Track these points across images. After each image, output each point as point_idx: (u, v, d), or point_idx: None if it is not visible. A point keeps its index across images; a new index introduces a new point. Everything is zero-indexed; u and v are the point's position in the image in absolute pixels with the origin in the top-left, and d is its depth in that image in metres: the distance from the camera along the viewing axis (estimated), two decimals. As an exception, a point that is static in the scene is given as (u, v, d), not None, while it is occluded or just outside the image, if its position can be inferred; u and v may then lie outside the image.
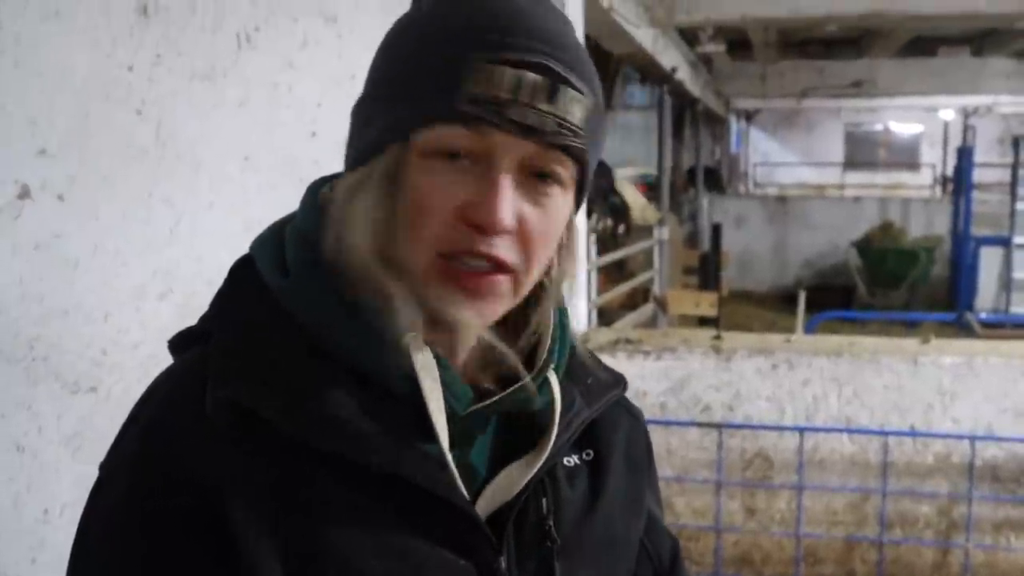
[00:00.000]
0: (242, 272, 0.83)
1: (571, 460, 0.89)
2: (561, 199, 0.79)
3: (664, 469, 3.42)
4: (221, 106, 1.76)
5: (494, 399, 0.81)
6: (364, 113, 0.80)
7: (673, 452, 3.42)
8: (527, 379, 0.81)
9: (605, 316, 6.55)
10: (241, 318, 0.80)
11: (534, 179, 0.77)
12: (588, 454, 0.91)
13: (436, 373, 0.77)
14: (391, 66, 0.78)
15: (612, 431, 0.95)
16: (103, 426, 1.47)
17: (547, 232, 0.78)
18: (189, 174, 1.67)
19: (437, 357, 0.78)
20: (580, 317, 3.89)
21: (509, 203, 0.74)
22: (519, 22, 0.75)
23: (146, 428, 0.76)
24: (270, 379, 0.74)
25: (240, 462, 0.72)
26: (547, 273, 0.84)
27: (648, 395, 3.43)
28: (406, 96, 0.75)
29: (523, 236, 0.77)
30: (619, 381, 0.96)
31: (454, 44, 0.73)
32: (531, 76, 0.73)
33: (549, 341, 0.86)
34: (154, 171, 1.58)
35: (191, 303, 1.65)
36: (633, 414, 1.01)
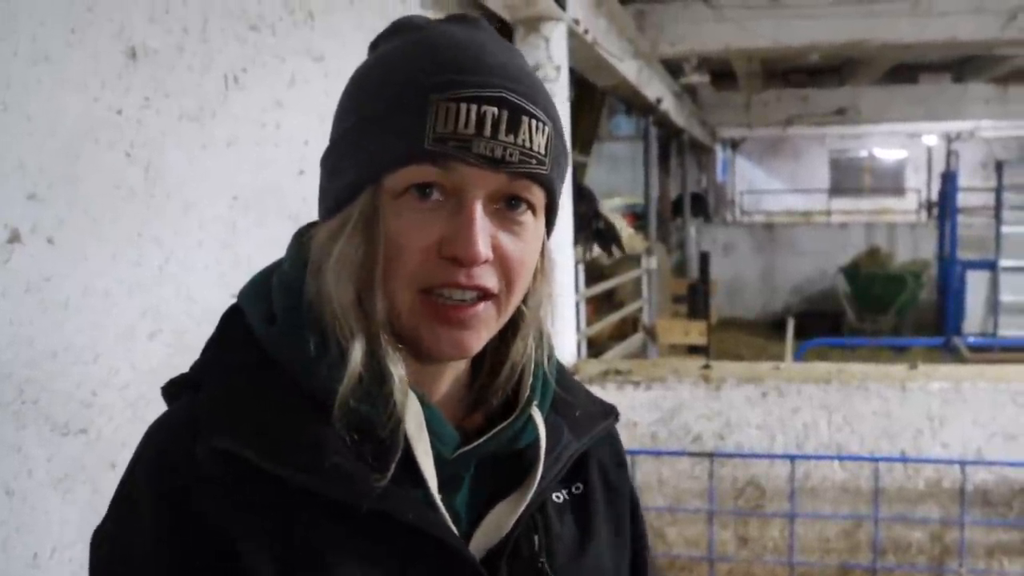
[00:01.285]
0: (231, 320, 0.85)
1: (560, 495, 0.89)
2: (533, 225, 0.81)
3: (656, 499, 3.42)
4: (210, 146, 1.77)
5: (479, 442, 0.82)
6: (332, 162, 0.82)
7: (665, 482, 3.42)
8: (511, 419, 0.83)
9: (594, 347, 6.56)
10: (230, 366, 0.81)
11: (505, 208, 0.79)
12: (578, 488, 0.91)
13: (422, 419, 0.78)
14: (355, 114, 0.80)
15: (601, 470, 0.95)
16: (94, 467, 1.46)
17: (524, 258, 0.81)
18: (178, 214, 1.69)
19: (422, 400, 0.79)
20: (569, 348, 3.90)
21: (484, 234, 0.76)
22: (474, 59, 0.77)
23: (146, 481, 0.76)
24: (258, 427, 0.75)
25: (235, 507, 0.73)
26: (524, 300, 0.85)
27: (639, 425, 3.44)
28: (375, 142, 0.77)
29: (502, 263, 0.79)
30: (609, 412, 0.96)
31: (415, 87, 0.76)
32: (492, 109, 0.75)
33: (531, 376, 0.87)
34: (143, 212, 1.59)
35: (181, 342, 1.65)
36: (621, 463, 1.00)
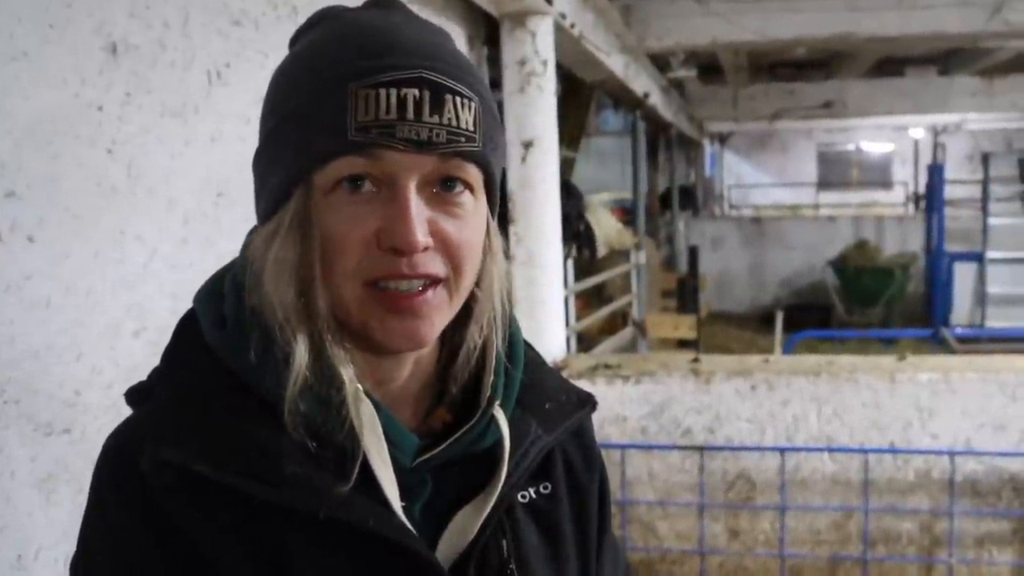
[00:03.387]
0: (186, 324, 0.83)
1: (527, 494, 0.87)
2: (473, 205, 0.79)
3: (646, 493, 3.42)
4: (193, 142, 1.76)
5: (438, 450, 0.80)
6: (262, 165, 0.80)
7: (655, 476, 3.42)
8: (471, 424, 0.81)
9: (584, 342, 6.56)
10: (182, 375, 0.79)
11: (441, 191, 0.77)
12: (546, 487, 0.88)
13: (378, 425, 0.76)
14: (277, 113, 0.78)
15: (570, 465, 0.92)
16: (78, 467, 1.45)
17: (468, 239, 0.78)
18: (162, 211, 1.67)
19: (377, 406, 0.77)
20: (559, 343, 3.89)
21: (420, 220, 0.75)
22: (391, 43, 0.75)
23: (107, 497, 0.76)
24: (207, 436, 0.73)
25: (197, 518, 0.72)
26: (477, 284, 0.83)
27: (629, 420, 3.43)
28: (299, 140, 0.75)
29: (445, 247, 0.77)
30: (585, 402, 0.93)
31: (332, 79, 0.74)
32: (412, 91, 0.73)
33: (492, 372, 0.84)
34: (126, 209, 1.58)
35: (165, 340, 1.63)
36: (591, 448, 0.98)
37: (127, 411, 0.83)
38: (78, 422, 1.47)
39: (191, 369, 0.79)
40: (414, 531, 0.76)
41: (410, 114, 0.72)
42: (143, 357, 1.58)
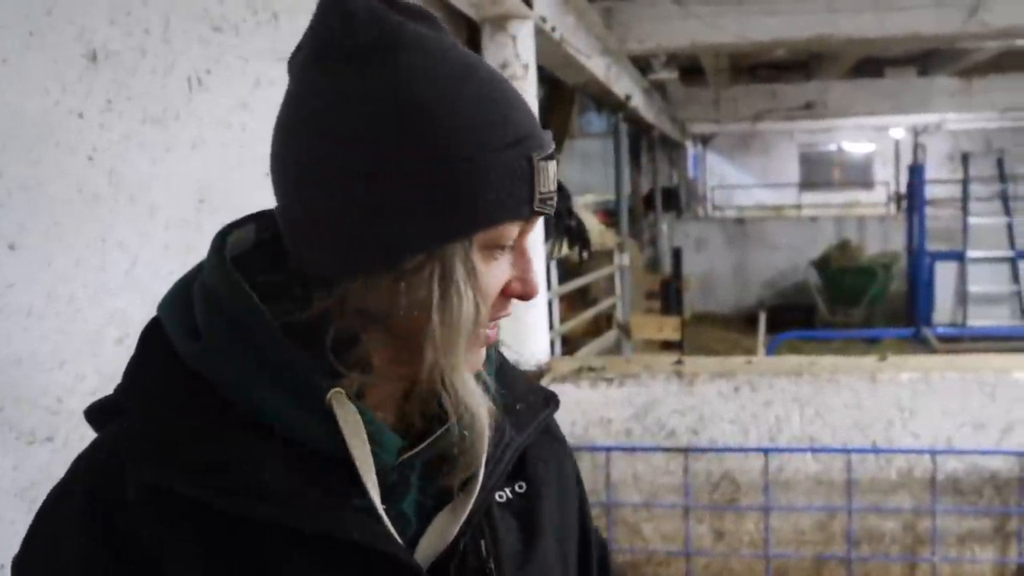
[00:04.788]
0: (151, 336, 0.80)
1: (503, 495, 0.88)
2: None
3: (631, 495, 3.42)
4: (174, 148, 1.75)
5: (419, 448, 0.81)
6: (378, 201, 0.73)
7: (640, 478, 3.43)
8: (446, 426, 0.81)
9: (568, 344, 6.57)
10: (153, 390, 0.77)
11: None
12: (520, 487, 0.90)
13: (362, 431, 0.76)
14: (427, 162, 0.72)
15: (542, 461, 0.94)
16: (60, 476, 1.44)
17: None
18: (144, 218, 1.67)
19: (360, 410, 0.77)
20: (543, 346, 3.90)
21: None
22: (528, 108, 0.80)
23: (70, 521, 0.74)
24: (188, 455, 0.72)
25: (171, 540, 0.71)
26: None
27: (613, 422, 3.44)
28: (473, 198, 0.73)
29: None
30: (549, 400, 0.95)
31: (514, 142, 0.75)
32: (554, 164, 0.79)
33: None
34: (108, 216, 1.57)
35: (148, 347, 1.63)
36: (558, 439, 1.00)
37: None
38: (61, 430, 1.47)
39: (165, 384, 0.76)
40: (397, 536, 0.77)
41: (554, 183, 0.79)
42: (125, 365, 1.58)
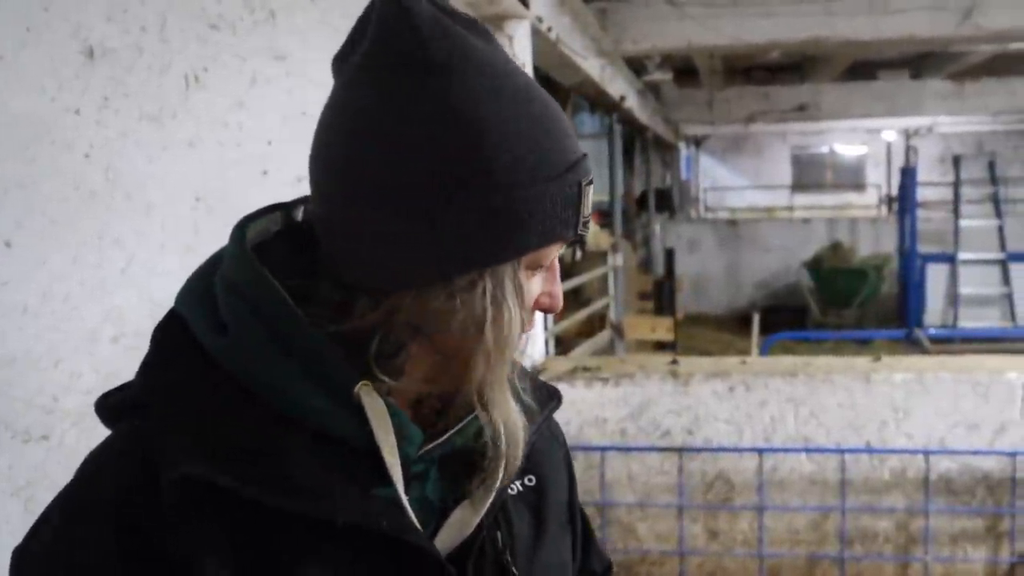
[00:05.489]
0: (170, 335, 0.79)
1: (515, 487, 0.91)
2: None
3: (626, 495, 3.43)
4: (171, 147, 1.75)
5: (443, 439, 0.82)
6: (437, 221, 0.73)
7: (634, 477, 3.43)
8: (469, 418, 0.83)
9: (562, 344, 6.57)
10: (179, 387, 0.75)
11: None
12: (531, 479, 0.93)
13: (388, 422, 0.77)
14: (490, 185, 0.74)
15: (546, 456, 0.97)
16: (56, 475, 1.44)
17: None
18: (140, 216, 1.66)
19: (387, 403, 0.78)
20: (538, 346, 3.90)
21: None
22: (575, 133, 0.82)
23: (95, 514, 0.72)
24: (222, 449, 0.71)
25: (203, 534, 0.71)
26: None
27: (608, 422, 3.44)
28: (525, 220, 0.75)
29: None
30: (553, 395, 0.96)
31: (563, 167, 0.78)
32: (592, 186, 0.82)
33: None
34: (104, 214, 1.57)
35: (144, 346, 1.62)
36: (553, 432, 1.02)
37: (107, 418, 0.81)
38: (56, 429, 1.46)
39: (192, 379, 0.75)
40: (419, 526, 0.77)
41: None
42: (122, 363, 1.57)
